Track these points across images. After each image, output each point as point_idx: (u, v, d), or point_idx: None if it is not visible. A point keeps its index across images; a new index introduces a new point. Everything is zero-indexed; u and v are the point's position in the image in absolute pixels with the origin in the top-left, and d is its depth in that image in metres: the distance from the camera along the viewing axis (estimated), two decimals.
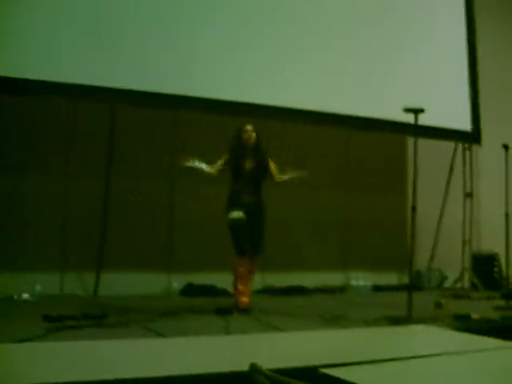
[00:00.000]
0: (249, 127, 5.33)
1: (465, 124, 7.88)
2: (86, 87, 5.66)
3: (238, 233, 5.14)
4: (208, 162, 6.79)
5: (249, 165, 5.27)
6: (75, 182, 6.38)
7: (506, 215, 6.00)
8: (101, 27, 5.80)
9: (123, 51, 5.83)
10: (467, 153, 8.47)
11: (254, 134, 5.30)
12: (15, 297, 5.79)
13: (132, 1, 6.02)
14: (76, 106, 6.29)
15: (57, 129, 6.32)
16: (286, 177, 5.31)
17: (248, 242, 5.18)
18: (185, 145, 6.91)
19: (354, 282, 7.94)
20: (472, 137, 8.04)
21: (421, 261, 8.05)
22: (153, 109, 6.31)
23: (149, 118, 6.53)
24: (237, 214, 5.10)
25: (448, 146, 8.27)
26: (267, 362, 2.14)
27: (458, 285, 8.09)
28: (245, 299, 5.12)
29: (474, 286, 8.05)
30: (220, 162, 5.24)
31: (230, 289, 6.61)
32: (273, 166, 5.34)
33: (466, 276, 8.20)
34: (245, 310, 4.97)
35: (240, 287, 5.19)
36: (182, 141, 6.92)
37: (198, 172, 5.09)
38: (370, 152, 7.96)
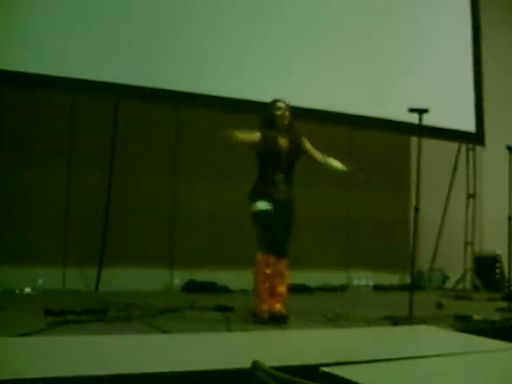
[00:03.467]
0: (282, 104, 4.54)
1: (469, 125, 7.88)
2: (88, 82, 5.66)
3: (268, 226, 4.37)
4: (211, 160, 6.85)
5: (282, 148, 4.46)
6: (78, 177, 6.39)
7: (509, 217, 5.98)
8: (104, 22, 5.81)
9: (127, 47, 5.84)
10: (471, 154, 8.46)
11: (287, 113, 4.53)
12: (17, 291, 5.81)
13: None
14: (79, 102, 6.30)
15: (60, 123, 6.33)
16: (333, 163, 4.68)
17: (278, 238, 4.40)
18: (187, 142, 6.93)
19: (355, 282, 7.95)
20: (476, 138, 8.03)
21: (423, 261, 8.05)
22: (156, 105, 6.31)
23: (151, 114, 6.53)
24: (265, 205, 4.36)
25: (451, 146, 8.26)
26: (269, 360, 2.14)
27: (460, 286, 8.09)
28: (265, 307, 4.37)
29: (475, 287, 8.05)
30: (256, 136, 4.43)
31: (231, 286, 6.65)
32: (311, 147, 4.64)
33: (468, 277, 8.19)
34: (264, 321, 4.28)
35: (263, 293, 4.38)
36: (185, 138, 6.94)
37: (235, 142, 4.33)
38: (374, 151, 7.95)
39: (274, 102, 4.57)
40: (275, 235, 4.40)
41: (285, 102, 4.56)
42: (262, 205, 4.37)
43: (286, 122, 4.53)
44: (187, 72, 6.09)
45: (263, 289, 4.38)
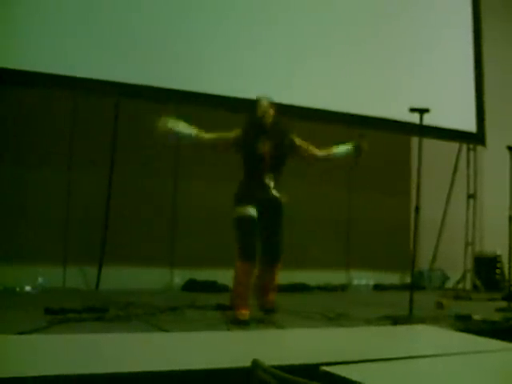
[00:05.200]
0: (264, 102, 4.34)
1: (470, 125, 7.87)
2: (89, 80, 5.65)
3: (245, 233, 4.23)
4: (212, 159, 6.84)
5: (265, 149, 4.26)
6: (78, 175, 6.38)
7: (510, 218, 5.98)
8: (106, 21, 5.80)
9: (128, 45, 5.83)
10: (471, 154, 8.45)
11: (271, 111, 4.32)
12: (17, 289, 5.81)
13: None
14: (80, 101, 6.29)
15: (61, 122, 6.33)
16: (334, 151, 4.45)
17: (255, 246, 4.26)
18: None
19: (355, 281, 7.94)
20: (476, 138, 8.03)
21: (423, 261, 8.05)
22: (157, 104, 6.30)
23: (152, 114, 6.51)
24: (246, 211, 4.22)
25: (452, 146, 8.25)
26: (269, 359, 2.13)
27: (460, 286, 8.09)
28: (244, 311, 4.26)
29: (475, 288, 8.05)
30: (226, 136, 4.33)
31: (232, 285, 6.63)
32: (303, 143, 4.42)
33: (468, 277, 8.19)
34: (245, 322, 4.18)
35: (238, 299, 4.30)
36: None
37: (183, 138, 4.23)
38: (374, 152, 7.93)
39: (256, 100, 4.38)
40: (251, 243, 4.25)
41: (267, 100, 4.36)
42: (243, 210, 4.24)
43: (269, 121, 4.33)
44: (189, 71, 6.09)
45: (243, 301, 4.28)
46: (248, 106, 5.88)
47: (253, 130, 4.34)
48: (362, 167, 7.95)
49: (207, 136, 4.28)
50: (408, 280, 7.40)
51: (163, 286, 6.72)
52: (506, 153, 5.96)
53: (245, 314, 4.25)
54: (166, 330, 3.75)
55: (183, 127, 4.21)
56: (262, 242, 4.36)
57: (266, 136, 4.31)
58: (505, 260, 7.23)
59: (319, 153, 4.48)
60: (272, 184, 4.33)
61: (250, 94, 6.21)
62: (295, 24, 6.61)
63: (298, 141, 4.43)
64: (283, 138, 4.38)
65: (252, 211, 4.23)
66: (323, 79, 6.62)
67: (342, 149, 4.55)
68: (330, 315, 4.71)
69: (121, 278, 6.21)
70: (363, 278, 7.99)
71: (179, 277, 6.83)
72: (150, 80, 5.89)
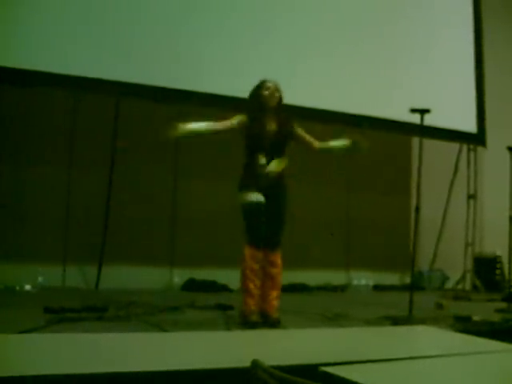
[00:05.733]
0: (270, 83, 4.27)
1: (470, 125, 7.88)
2: (89, 80, 5.66)
3: (255, 218, 4.10)
4: (212, 158, 6.84)
5: (269, 132, 4.20)
6: (78, 174, 6.38)
7: (510, 218, 5.98)
8: (107, 20, 5.81)
9: (129, 45, 5.84)
10: (472, 154, 8.45)
11: (277, 93, 4.25)
12: (17, 288, 5.81)
13: None
14: (80, 99, 6.28)
15: (61, 121, 6.33)
16: (331, 144, 4.42)
17: (262, 230, 4.12)
18: (188, 140, 6.92)
19: (355, 282, 7.94)
20: (477, 138, 8.03)
21: (423, 261, 8.05)
22: (157, 104, 6.31)
23: (152, 113, 6.51)
24: (255, 197, 4.11)
25: (452, 147, 8.25)
26: (268, 359, 2.13)
27: (460, 286, 8.09)
28: (254, 306, 4.14)
29: (475, 288, 8.05)
30: (232, 122, 4.22)
31: (231, 285, 6.64)
32: (303, 132, 4.38)
33: (468, 278, 8.19)
34: (254, 324, 4.06)
35: (251, 286, 4.12)
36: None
37: (199, 135, 4.23)
38: (375, 152, 7.93)
39: (262, 82, 4.31)
40: (261, 228, 4.11)
41: (274, 82, 4.29)
42: (252, 196, 4.12)
43: (274, 103, 4.24)
44: (190, 70, 6.09)
45: (252, 285, 4.12)
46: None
47: (256, 112, 4.25)
48: (362, 167, 8.01)
49: (218, 128, 4.23)
50: (408, 280, 7.40)
51: (163, 286, 6.72)
52: (507, 153, 5.96)
53: (254, 312, 4.14)
54: (166, 330, 3.75)
55: (194, 127, 4.17)
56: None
57: (270, 119, 4.25)
58: (505, 260, 7.23)
59: (316, 144, 4.43)
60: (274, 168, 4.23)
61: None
62: (296, 24, 6.61)
63: (299, 130, 4.38)
64: (286, 123, 4.31)
65: (260, 196, 4.13)
66: (324, 79, 6.62)
67: (340, 143, 4.52)
68: (329, 315, 4.71)
69: (120, 277, 6.21)
70: (363, 279, 7.99)
71: (179, 276, 6.83)
72: (151, 79, 5.90)
